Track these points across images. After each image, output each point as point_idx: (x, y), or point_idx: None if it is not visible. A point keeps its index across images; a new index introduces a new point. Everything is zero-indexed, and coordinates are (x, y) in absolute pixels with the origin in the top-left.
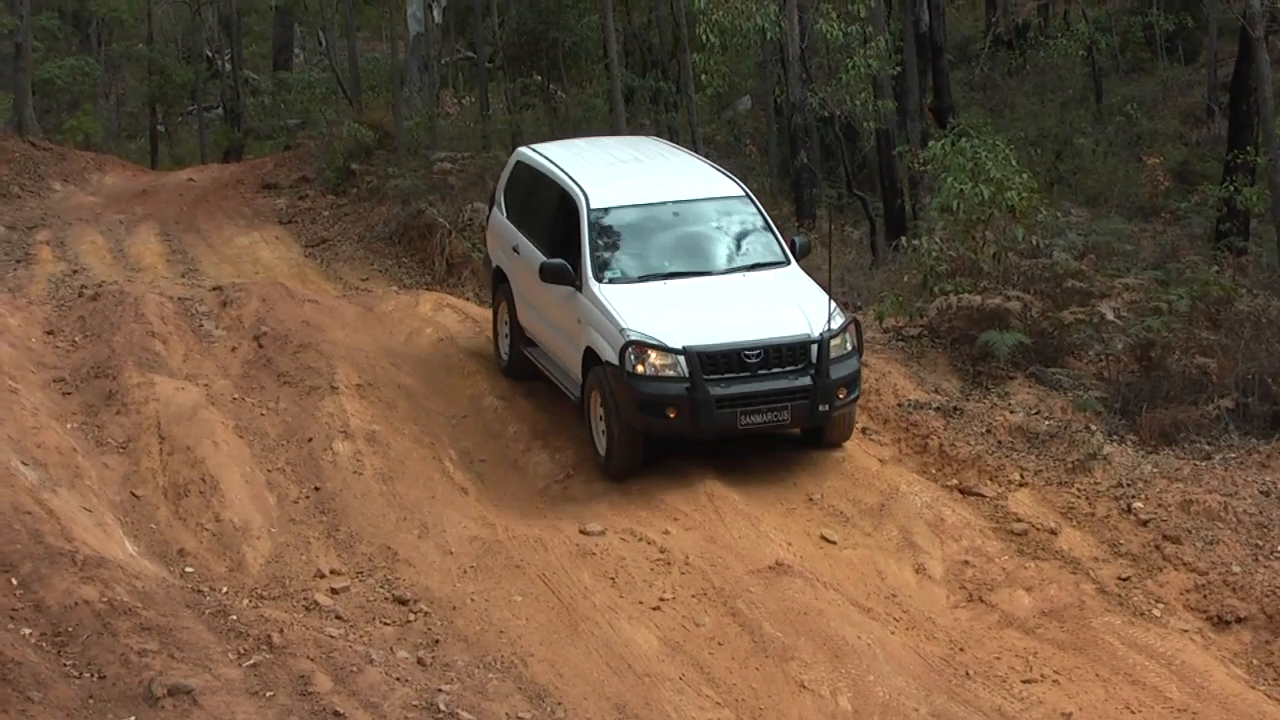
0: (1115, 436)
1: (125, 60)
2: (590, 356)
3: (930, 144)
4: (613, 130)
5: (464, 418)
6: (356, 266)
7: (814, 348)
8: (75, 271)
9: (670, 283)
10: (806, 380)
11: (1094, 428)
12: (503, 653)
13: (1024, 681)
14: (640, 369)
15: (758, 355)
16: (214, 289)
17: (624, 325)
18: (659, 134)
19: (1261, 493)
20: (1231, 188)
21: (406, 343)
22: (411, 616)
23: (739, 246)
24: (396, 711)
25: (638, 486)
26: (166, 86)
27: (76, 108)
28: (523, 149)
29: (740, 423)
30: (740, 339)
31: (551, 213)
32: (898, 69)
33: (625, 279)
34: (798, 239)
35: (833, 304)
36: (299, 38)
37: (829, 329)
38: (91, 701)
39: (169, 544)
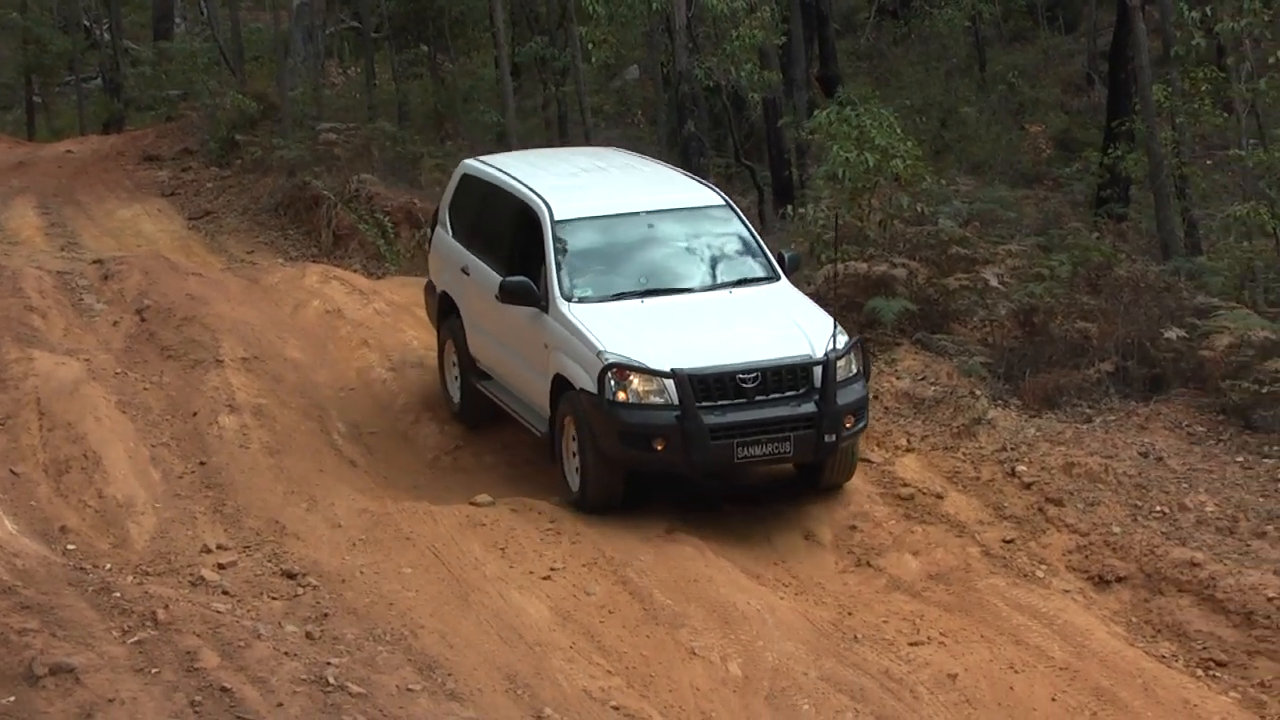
0: (999, 401)
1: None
2: (560, 384)
3: (816, 113)
4: (501, 101)
5: (352, 390)
6: (241, 239)
7: (817, 370)
8: None
9: (648, 301)
10: (811, 407)
11: (978, 393)
12: (392, 625)
13: (911, 644)
14: (622, 395)
15: (755, 379)
16: (95, 262)
17: (601, 347)
18: (546, 104)
19: (1140, 454)
20: (1112, 155)
21: (293, 315)
22: (300, 590)
23: (722, 261)
24: (285, 685)
25: (526, 457)
26: (42, 56)
27: None
28: (469, 161)
29: (737, 456)
30: (735, 360)
31: (509, 228)
32: (784, 39)
33: (597, 297)
34: (786, 253)
35: (835, 323)
36: (179, 7)
37: (834, 348)
38: None
39: (50, 521)
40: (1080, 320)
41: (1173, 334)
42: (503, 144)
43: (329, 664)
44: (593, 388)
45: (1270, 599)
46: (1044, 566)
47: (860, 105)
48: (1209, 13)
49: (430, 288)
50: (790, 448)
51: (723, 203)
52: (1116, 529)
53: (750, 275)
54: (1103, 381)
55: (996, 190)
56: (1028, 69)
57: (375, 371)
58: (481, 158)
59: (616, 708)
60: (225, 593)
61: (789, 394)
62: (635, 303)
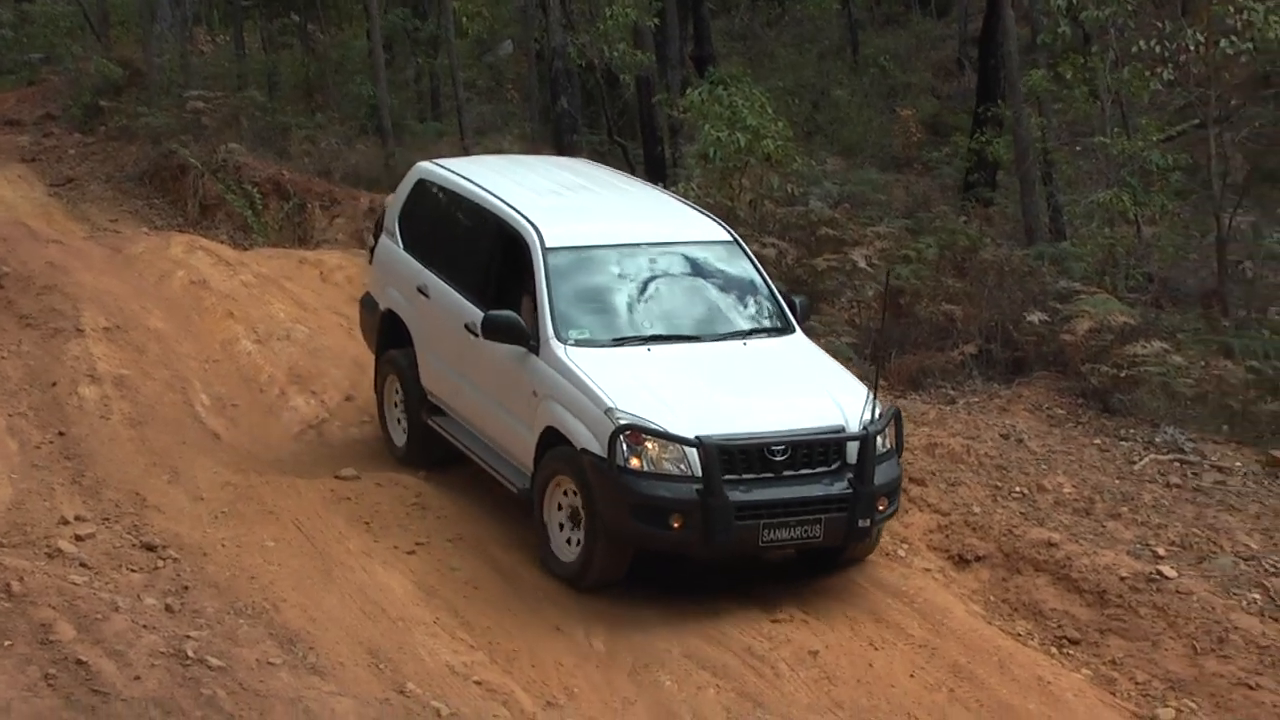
0: (865, 382)
1: None
2: (552, 437)
3: (689, 92)
4: (373, 73)
5: (217, 362)
6: (105, 207)
7: (851, 445)
8: None
9: (655, 349)
10: (844, 486)
11: None
12: (254, 598)
13: (773, 621)
14: (636, 463)
15: (784, 452)
16: None
17: (610, 403)
18: (418, 77)
19: (1001, 436)
20: (980, 140)
21: (157, 285)
22: (160, 563)
23: (732, 306)
24: (143, 659)
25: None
26: None
27: None
28: (426, 165)
29: (762, 539)
30: (763, 429)
31: (484, 250)
32: (658, 18)
33: (596, 342)
34: (797, 299)
35: (870, 392)
36: None
37: (873, 421)
38: None
39: None
40: (946, 303)
41: (1035, 318)
42: (376, 117)
43: (188, 637)
44: (599, 450)
45: (1123, 579)
46: (906, 546)
47: (733, 85)
48: (1075, 1)
49: (369, 303)
50: (820, 531)
51: (730, 239)
52: (977, 509)
53: (763, 324)
54: (966, 364)
55: (866, 173)
56: (899, 53)
57: (241, 344)
58: (440, 161)
59: (479, 682)
60: (83, 565)
61: (820, 470)
62: (641, 350)
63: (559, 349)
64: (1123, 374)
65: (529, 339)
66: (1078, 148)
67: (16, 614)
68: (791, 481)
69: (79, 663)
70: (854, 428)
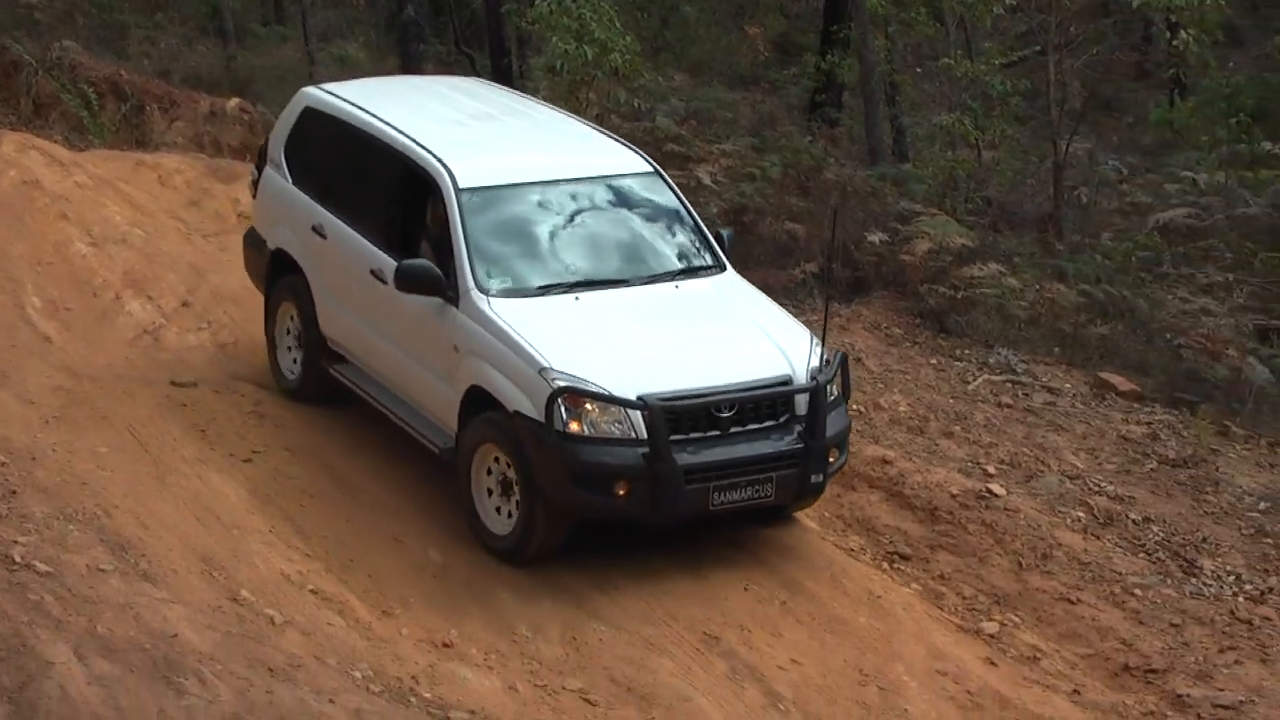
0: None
1: None
2: (478, 398)
3: (537, 3)
4: None
5: (49, 264)
6: None
7: (799, 398)
8: None
9: (583, 296)
10: (794, 440)
11: None
12: (85, 505)
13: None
14: (575, 427)
15: (732, 408)
16: None
17: (545, 362)
18: None
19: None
20: (827, 61)
21: None
22: None
23: (659, 244)
24: None
25: (234, 341)
26: None
27: None
28: (312, 90)
29: (713, 502)
30: (709, 384)
31: (388, 190)
32: None
33: (520, 291)
34: (724, 233)
35: (813, 336)
36: None
37: (822, 369)
38: None
39: None
40: (789, 221)
41: (876, 238)
42: (218, 19)
43: (16, 542)
44: (533, 413)
45: (953, 496)
46: None
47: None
48: None
49: (254, 240)
50: (772, 490)
51: (652, 170)
52: None
53: (694, 263)
54: (807, 282)
55: (713, 90)
56: None
57: (75, 246)
58: (326, 87)
59: (314, 591)
60: None
61: (768, 424)
62: (568, 299)
63: (480, 300)
64: (959, 295)
65: (446, 290)
66: (920, 70)
67: None
68: (740, 439)
69: None
70: (802, 377)
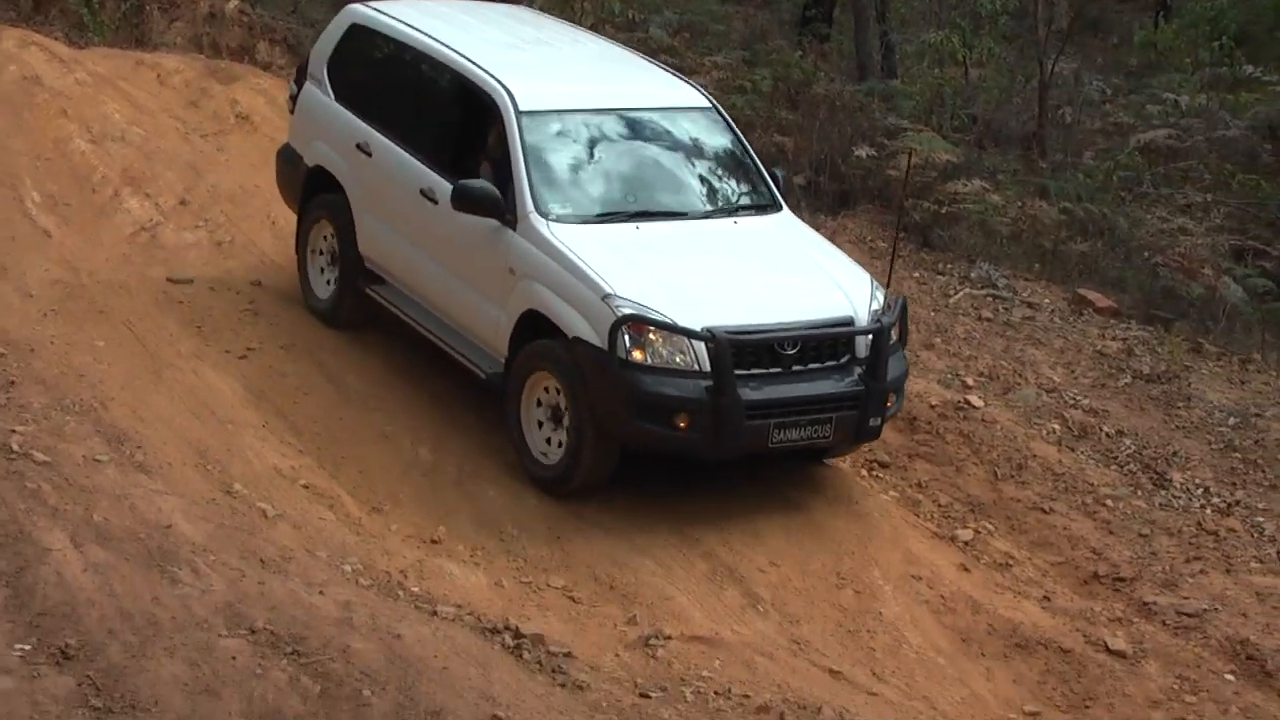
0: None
1: None
2: (532, 321)
3: None
4: None
5: (48, 160)
6: None
7: (861, 339)
8: None
9: (643, 226)
10: (855, 382)
11: None
12: (82, 396)
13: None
14: (639, 355)
15: (795, 346)
16: None
17: (609, 289)
18: None
19: None
20: None
21: None
22: None
23: (717, 179)
24: None
25: (230, 240)
26: None
27: None
28: (358, 7)
29: (772, 440)
30: (774, 320)
31: (443, 108)
32: None
33: (580, 218)
34: (779, 172)
35: (873, 279)
36: None
37: (886, 312)
38: None
39: None
40: (778, 134)
41: (863, 152)
42: None
43: (14, 431)
44: (595, 340)
45: (933, 406)
46: None
47: None
48: None
49: (289, 155)
50: (830, 431)
51: (710, 105)
52: None
53: (751, 201)
54: (795, 194)
55: (706, 3)
56: None
57: (74, 143)
58: (374, 4)
59: (306, 486)
60: None
61: (829, 364)
62: (629, 228)
63: (541, 224)
64: (943, 210)
65: (504, 212)
66: None
67: None
68: (802, 378)
69: None
70: (864, 319)
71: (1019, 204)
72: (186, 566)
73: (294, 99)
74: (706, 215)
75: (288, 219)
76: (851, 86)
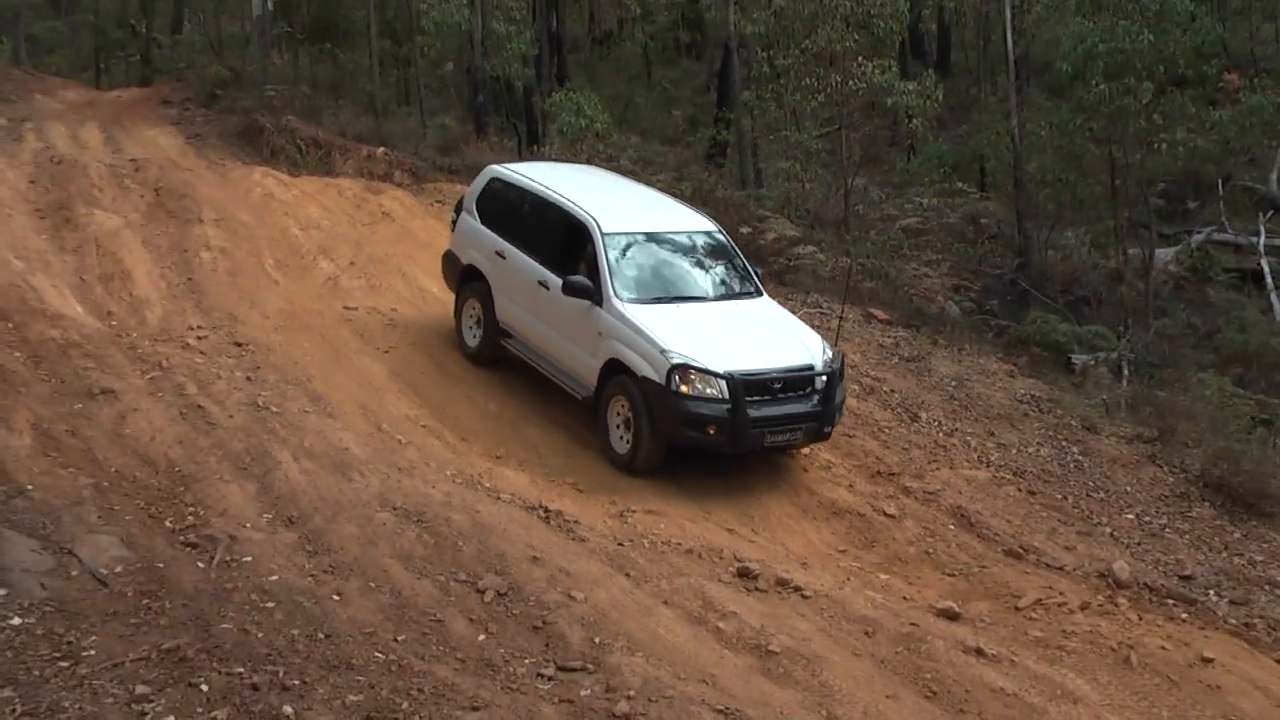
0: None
1: (82, 25)
2: (614, 367)
3: (553, 94)
4: (370, 77)
5: (277, 240)
6: (217, 151)
7: (819, 379)
8: (47, 148)
9: (680, 306)
10: (816, 406)
11: None
12: (297, 375)
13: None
14: (685, 389)
15: (780, 383)
16: (131, 160)
17: (665, 346)
18: (397, 80)
19: None
20: (718, 131)
21: (245, 196)
22: (244, 353)
23: (723, 277)
24: (234, 405)
25: (379, 285)
26: (106, 41)
27: (52, 51)
28: (494, 168)
29: (766, 441)
30: (767, 367)
31: (553, 231)
32: (537, 50)
33: (641, 300)
34: (758, 270)
35: (824, 342)
36: (187, 14)
37: (837, 363)
38: (56, 395)
39: (102, 308)
40: None
41: (745, 230)
42: (372, 102)
43: (259, 395)
44: (656, 378)
45: None
46: None
47: (578, 92)
48: (770, 53)
49: (452, 258)
50: (800, 436)
51: (718, 230)
52: None
53: (745, 290)
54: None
55: (654, 146)
56: (675, 78)
57: (291, 230)
58: (504, 165)
59: (424, 426)
60: (201, 353)
61: (799, 394)
62: (672, 306)
63: (618, 304)
64: (791, 264)
65: (595, 296)
66: (771, 137)
67: (165, 379)
68: (783, 402)
69: (199, 406)
70: (820, 366)
71: (834, 260)
72: (356, 471)
73: (454, 223)
74: (719, 299)
75: (415, 273)
76: (737, 192)
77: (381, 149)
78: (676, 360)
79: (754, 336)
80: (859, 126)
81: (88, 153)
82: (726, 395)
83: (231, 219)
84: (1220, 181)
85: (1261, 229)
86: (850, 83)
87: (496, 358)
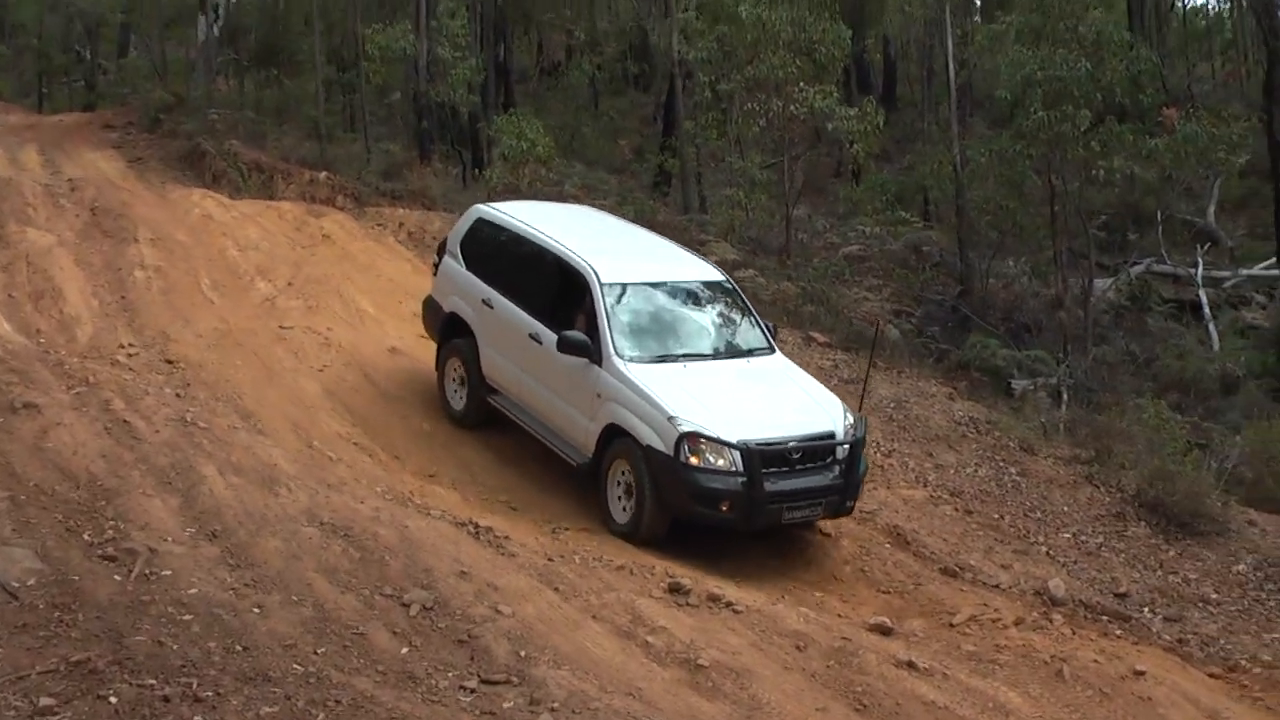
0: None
1: (25, 49)
2: (614, 432)
3: (497, 119)
4: (316, 104)
5: (214, 260)
6: (159, 174)
7: (840, 448)
8: None
9: (688, 365)
10: (837, 478)
11: None
12: (228, 392)
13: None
14: (695, 461)
15: (799, 452)
16: (68, 180)
17: (672, 412)
18: (343, 107)
19: None
20: (664, 159)
21: (183, 216)
22: (174, 370)
23: (732, 331)
24: (161, 421)
25: (316, 305)
26: (50, 66)
27: None
28: (480, 207)
29: (784, 518)
30: (785, 435)
31: (546, 279)
32: (484, 78)
33: (645, 358)
34: (770, 324)
35: (844, 405)
36: (133, 40)
37: (859, 430)
38: None
39: (30, 325)
40: None
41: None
42: (316, 127)
43: (188, 411)
44: (661, 447)
45: None
46: None
47: (522, 119)
48: (714, 80)
49: (433, 305)
50: (821, 511)
51: (727, 279)
52: None
53: (756, 345)
54: None
55: (599, 174)
56: (622, 109)
57: (230, 252)
58: (491, 205)
59: (355, 444)
60: (131, 370)
61: (820, 464)
62: (679, 365)
63: (619, 363)
64: None
65: (594, 353)
66: (716, 166)
67: (91, 394)
68: (802, 474)
69: (125, 421)
70: (841, 433)
71: (776, 285)
72: (284, 487)
73: (436, 266)
74: (729, 356)
75: (353, 294)
76: (681, 218)
77: (324, 173)
78: (686, 428)
79: (769, 400)
80: (801, 154)
81: (25, 173)
82: (741, 468)
83: (168, 239)
84: (1159, 214)
85: (1200, 261)
86: (791, 107)
87: (486, 420)
